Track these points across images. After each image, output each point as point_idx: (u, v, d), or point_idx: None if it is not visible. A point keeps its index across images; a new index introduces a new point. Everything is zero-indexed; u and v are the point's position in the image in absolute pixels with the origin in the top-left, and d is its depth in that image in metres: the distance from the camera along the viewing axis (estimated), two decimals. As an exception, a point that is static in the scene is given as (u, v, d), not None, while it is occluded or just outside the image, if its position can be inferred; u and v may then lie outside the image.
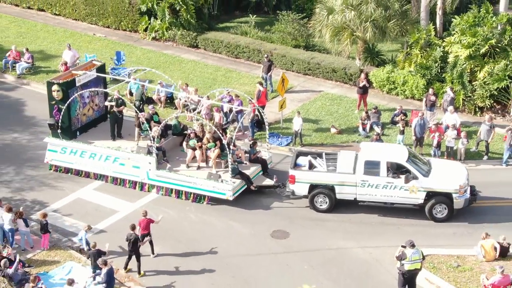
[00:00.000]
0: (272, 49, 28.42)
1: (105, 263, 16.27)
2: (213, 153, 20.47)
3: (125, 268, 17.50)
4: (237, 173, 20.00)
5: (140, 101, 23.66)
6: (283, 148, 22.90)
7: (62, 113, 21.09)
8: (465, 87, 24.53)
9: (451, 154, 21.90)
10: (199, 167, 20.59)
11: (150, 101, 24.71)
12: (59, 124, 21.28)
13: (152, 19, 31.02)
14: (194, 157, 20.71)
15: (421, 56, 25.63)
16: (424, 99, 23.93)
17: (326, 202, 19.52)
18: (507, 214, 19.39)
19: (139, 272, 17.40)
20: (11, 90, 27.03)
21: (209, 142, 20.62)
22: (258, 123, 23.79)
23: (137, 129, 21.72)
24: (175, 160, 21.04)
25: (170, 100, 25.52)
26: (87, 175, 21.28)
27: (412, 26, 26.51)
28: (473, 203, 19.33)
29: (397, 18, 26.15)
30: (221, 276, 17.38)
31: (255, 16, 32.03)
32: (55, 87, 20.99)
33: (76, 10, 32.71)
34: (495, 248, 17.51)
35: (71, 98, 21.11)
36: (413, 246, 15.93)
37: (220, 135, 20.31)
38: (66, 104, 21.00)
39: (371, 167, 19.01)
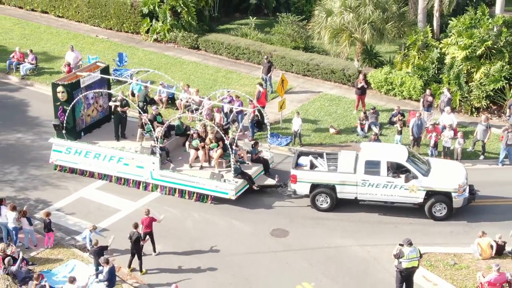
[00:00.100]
0: (272, 50, 28.55)
1: (107, 262, 16.36)
2: (216, 153, 20.65)
3: (129, 266, 17.61)
4: (239, 173, 20.16)
5: (144, 102, 23.79)
6: (283, 148, 23.02)
7: (67, 114, 21.23)
8: (462, 88, 24.64)
9: (448, 154, 22.03)
10: (201, 167, 20.75)
11: (152, 102, 24.90)
12: (64, 125, 21.44)
13: (153, 21, 31.16)
14: (197, 157, 20.89)
15: (419, 57, 25.73)
16: (422, 100, 24.03)
17: (327, 202, 19.66)
18: (503, 213, 19.51)
19: (140, 270, 17.52)
20: (15, 91, 27.17)
21: (211, 142, 20.79)
22: (258, 124, 23.96)
23: (140, 130, 21.88)
24: (178, 160, 21.17)
25: (171, 101, 25.69)
26: (92, 175, 21.43)
27: (410, 28, 26.63)
28: (472, 202, 19.46)
29: (395, 20, 26.28)
30: (222, 274, 17.48)
31: (255, 18, 32.06)
32: (60, 89, 21.14)
33: (79, 12, 32.83)
34: (492, 246, 17.63)
35: (76, 99, 21.27)
36: (410, 244, 16.04)
37: (222, 135, 20.51)
38: (71, 105, 21.15)
39: (372, 167, 19.14)
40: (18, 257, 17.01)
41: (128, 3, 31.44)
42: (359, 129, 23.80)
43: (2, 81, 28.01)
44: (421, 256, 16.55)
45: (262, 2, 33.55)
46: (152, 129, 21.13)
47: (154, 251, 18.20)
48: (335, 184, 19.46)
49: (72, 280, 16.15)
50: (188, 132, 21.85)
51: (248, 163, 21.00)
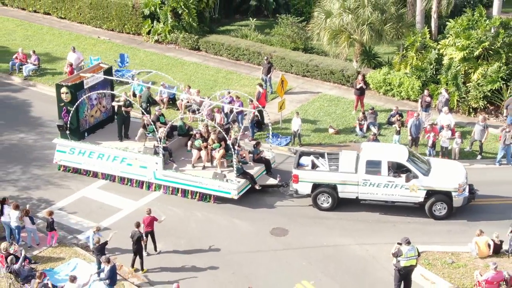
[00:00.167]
0: (272, 51, 28.64)
1: (108, 261, 16.42)
2: (218, 154, 20.76)
3: (132, 266, 17.63)
4: (241, 172, 20.30)
5: (147, 103, 23.87)
6: (283, 148, 23.10)
7: (70, 114, 21.33)
8: (459, 88, 24.73)
9: (446, 153, 22.09)
10: (204, 167, 20.86)
11: (153, 102, 25.02)
12: (68, 126, 21.55)
13: (155, 22, 31.26)
14: (200, 157, 20.96)
15: (417, 58, 25.81)
16: (420, 100, 24.12)
17: (329, 201, 19.78)
18: (500, 212, 19.53)
19: (142, 269, 17.57)
20: (18, 91, 27.25)
21: (214, 142, 20.92)
22: (258, 124, 24.13)
23: (142, 130, 22.05)
24: (181, 160, 21.25)
25: (172, 101, 25.83)
26: (95, 175, 21.55)
27: (408, 29, 26.69)
28: (472, 201, 19.53)
29: (393, 21, 26.34)
30: (222, 273, 17.54)
31: (255, 19, 32.17)
32: (64, 89, 21.22)
33: (81, 14, 32.93)
34: (489, 245, 17.70)
35: (80, 100, 21.38)
36: (408, 243, 16.10)
37: (225, 135, 20.61)
38: (74, 106, 21.25)
39: (373, 167, 19.23)
40: (21, 255, 17.07)
41: (130, 5, 31.57)
42: (358, 129, 23.89)
43: (5, 81, 28.12)
44: (419, 254, 16.64)
45: (262, 3, 33.63)
46: (155, 130, 21.29)
47: (155, 249, 18.28)
48: (336, 183, 19.56)
49: (73, 279, 16.20)
50: (191, 132, 21.98)
51: (250, 163, 21.09)
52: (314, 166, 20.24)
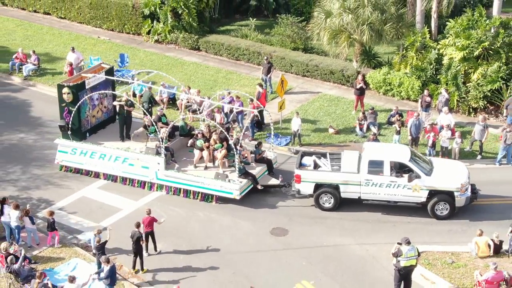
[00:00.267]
0: (272, 51, 28.69)
1: (108, 261, 16.43)
2: (220, 154, 20.77)
3: (133, 267, 17.63)
4: (243, 173, 20.29)
5: (149, 103, 23.85)
6: (283, 148, 23.13)
7: (72, 115, 21.35)
8: (459, 88, 24.77)
9: (446, 153, 22.13)
10: (206, 167, 20.86)
11: (155, 102, 24.99)
12: (70, 126, 21.57)
13: (155, 22, 31.32)
14: (201, 157, 20.96)
15: (417, 58, 25.85)
16: (420, 100, 24.15)
17: (331, 201, 19.79)
18: (500, 212, 19.57)
19: (142, 269, 17.60)
20: (18, 91, 27.28)
21: (216, 143, 20.93)
22: (258, 124, 24.18)
23: (142, 129, 22.00)
24: (183, 160, 21.26)
25: (172, 101, 25.88)
26: (97, 175, 21.56)
27: (408, 29, 26.73)
28: (474, 201, 19.55)
29: (393, 21, 26.38)
30: (222, 273, 17.55)
31: (255, 19, 32.23)
32: (65, 90, 21.23)
33: (81, 14, 32.98)
34: (489, 245, 17.73)
35: (81, 100, 21.40)
36: (408, 243, 16.11)
37: (227, 135, 20.62)
38: (76, 106, 21.28)
39: (375, 167, 19.24)
40: (20, 255, 17.09)
41: (130, 5, 31.62)
42: (358, 129, 23.92)
43: (5, 81, 28.15)
44: (419, 254, 16.65)
45: (262, 3, 33.69)
46: (156, 130, 21.22)
47: (155, 249, 18.30)
48: (338, 183, 19.57)
49: (72, 279, 16.22)
50: (193, 132, 22.00)
51: (252, 163, 21.07)
52: (316, 166, 20.25)
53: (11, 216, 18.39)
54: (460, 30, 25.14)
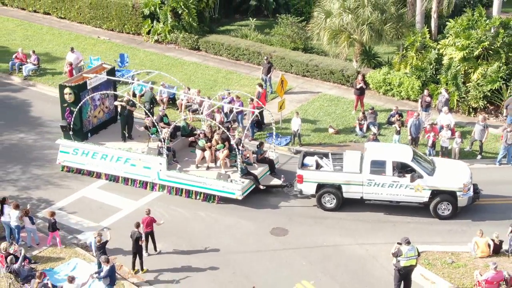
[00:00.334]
0: (272, 51, 28.71)
1: (108, 261, 16.46)
2: (222, 154, 20.76)
3: (133, 268, 17.63)
4: (245, 173, 20.30)
5: (150, 103, 23.82)
6: (283, 148, 23.13)
7: (74, 115, 21.35)
8: (459, 88, 24.79)
9: (446, 153, 22.16)
10: (208, 168, 20.86)
11: (156, 103, 24.98)
12: (71, 126, 21.57)
13: (154, 22, 31.34)
14: (203, 157, 20.96)
15: (417, 58, 25.87)
16: (420, 100, 24.17)
17: (333, 201, 19.79)
18: (500, 212, 19.59)
19: (141, 268, 17.60)
20: (18, 91, 27.30)
21: (218, 143, 20.94)
22: (257, 124, 24.19)
23: (144, 129, 22.03)
24: (185, 160, 21.27)
25: (172, 101, 25.90)
26: (99, 175, 21.56)
27: (408, 29, 26.76)
28: (476, 201, 19.56)
29: (393, 21, 26.41)
30: (222, 273, 17.57)
31: (255, 19, 32.25)
32: (67, 90, 21.23)
33: (81, 14, 33.00)
34: (489, 245, 17.74)
35: (83, 100, 21.38)
36: (408, 243, 16.13)
37: (229, 135, 20.60)
38: (78, 107, 21.27)
39: (377, 167, 19.25)
40: (20, 255, 17.10)
41: (130, 5, 31.64)
42: (357, 129, 23.94)
43: (5, 81, 28.17)
44: (419, 254, 16.66)
45: (262, 3, 33.71)
46: (158, 130, 21.20)
47: (155, 249, 18.32)
48: (341, 183, 19.58)
49: (71, 280, 16.24)
50: (195, 132, 22.00)
51: (254, 164, 21.04)
52: (318, 166, 20.25)
53: (11, 216, 18.41)
54: (460, 30, 25.16)
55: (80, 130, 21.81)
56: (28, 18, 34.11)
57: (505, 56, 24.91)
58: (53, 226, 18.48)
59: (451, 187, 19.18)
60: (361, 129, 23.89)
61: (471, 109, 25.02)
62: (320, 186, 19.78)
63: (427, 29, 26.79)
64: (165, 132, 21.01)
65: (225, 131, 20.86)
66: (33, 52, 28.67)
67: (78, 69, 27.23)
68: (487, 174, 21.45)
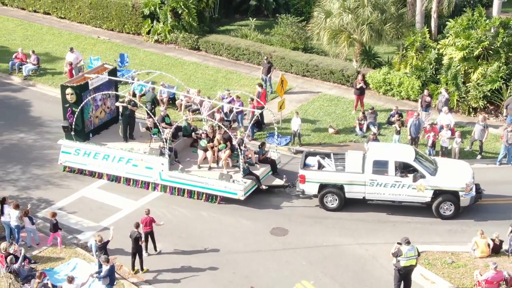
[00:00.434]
0: (272, 51, 28.72)
1: (107, 261, 16.46)
2: (224, 154, 20.74)
3: (133, 269, 17.62)
4: (247, 173, 20.29)
5: (152, 104, 23.80)
6: (282, 148, 23.09)
7: (75, 115, 21.34)
8: (459, 88, 24.80)
9: (446, 153, 22.16)
10: (210, 168, 20.83)
11: (158, 103, 24.99)
12: (73, 127, 21.55)
13: (154, 22, 31.35)
14: (205, 158, 20.92)
15: (417, 58, 25.87)
16: (420, 100, 24.17)
17: (336, 201, 19.77)
18: (500, 211, 19.58)
19: (141, 268, 17.61)
20: (18, 91, 27.32)
21: (220, 143, 20.94)
22: (257, 124, 24.21)
23: (145, 130, 22.05)
24: (186, 161, 21.27)
25: (172, 101, 25.89)
26: (101, 176, 21.54)
27: (408, 29, 26.78)
28: (479, 200, 19.56)
29: (393, 21, 26.43)
30: (222, 273, 17.58)
31: (255, 19, 32.27)
32: (69, 90, 21.22)
33: (80, 14, 33.02)
34: (488, 245, 17.74)
35: (85, 101, 21.37)
36: (408, 243, 16.14)
37: (231, 135, 20.61)
38: (79, 107, 21.27)
39: (380, 167, 19.24)
40: (20, 255, 17.11)
41: (130, 5, 31.65)
42: (357, 129, 23.95)
43: (5, 81, 28.19)
44: (419, 254, 16.67)
45: (262, 3, 33.72)
46: (160, 131, 21.22)
47: (155, 249, 18.32)
48: (343, 184, 19.57)
49: (71, 280, 16.25)
50: (197, 132, 22.00)
51: (256, 164, 21.03)
52: (320, 167, 20.25)
53: (11, 216, 18.41)
54: (460, 30, 25.16)
55: (81, 131, 21.81)
56: (28, 18, 34.12)
57: (505, 56, 24.92)
58: (55, 227, 18.48)
59: (453, 187, 19.18)
60: (361, 129, 23.90)
61: (471, 109, 25.02)
62: (322, 186, 19.78)
63: (427, 29, 26.79)
64: (167, 133, 20.99)
65: (227, 131, 20.82)
66: (33, 52, 28.68)
67: (78, 69, 27.24)
68: (487, 174, 21.41)
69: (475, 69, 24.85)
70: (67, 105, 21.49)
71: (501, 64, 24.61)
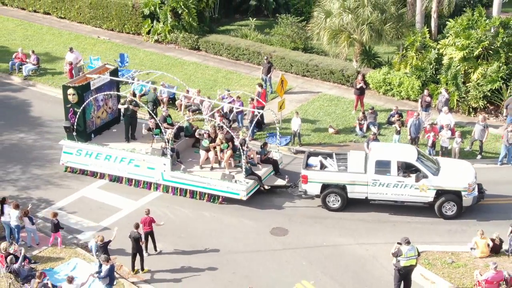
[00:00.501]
0: (272, 51, 28.72)
1: (107, 260, 16.46)
2: (226, 154, 20.73)
3: (133, 269, 17.62)
4: (249, 173, 20.27)
5: (153, 104, 23.74)
6: (282, 148, 23.07)
7: (77, 116, 21.33)
8: (459, 88, 24.81)
9: (446, 153, 22.17)
10: (212, 168, 20.81)
11: (159, 104, 25.08)
12: (75, 127, 21.54)
13: (154, 22, 31.37)
14: (207, 158, 20.91)
15: (417, 58, 25.88)
16: (420, 100, 24.18)
17: (338, 201, 19.76)
18: (501, 211, 19.58)
19: (142, 268, 17.61)
20: (18, 91, 27.33)
21: (222, 143, 20.92)
22: (258, 124, 24.21)
23: (147, 132, 22.05)
24: (188, 161, 21.25)
25: (172, 101, 25.90)
26: (102, 176, 21.53)
27: (408, 29, 26.79)
28: (481, 200, 19.55)
29: (393, 21, 26.44)
30: (222, 273, 17.58)
31: (255, 19, 32.29)
32: (70, 91, 21.19)
33: (80, 14, 33.04)
34: (488, 245, 17.74)
35: (87, 101, 21.35)
36: (408, 243, 16.13)
37: (233, 135, 20.60)
38: (81, 107, 21.25)
39: (382, 167, 19.22)
40: (20, 255, 17.11)
41: (130, 5, 31.66)
42: (357, 129, 23.96)
43: (5, 81, 28.21)
44: (419, 254, 16.67)
45: (262, 3, 33.74)
46: (162, 131, 21.18)
47: (155, 249, 18.32)
48: (345, 184, 19.56)
49: (71, 280, 16.27)
50: (199, 132, 21.99)
51: (258, 164, 21.02)
52: (322, 167, 20.24)
53: (11, 215, 18.41)
54: (460, 30, 25.17)
55: (83, 131, 21.81)
56: (28, 18, 34.13)
57: (505, 56, 24.93)
58: (56, 227, 18.49)
59: (456, 186, 19.16)
60: (361, 129, 23.91)
61: (471, 109, 25.03)
62: (324, 187, 19.76)
63: (427, 29, 26.81)
64: (169, 133, 20.97)
65: (229, 131, 20.83)
66: (33, 52, 28.69)
67: (78, 69, 27.24)
68: (488, 174, 21.39)
69: (475, 69, 24.86)
70: (69, 105, 21.48)
71: (501, 64, 24.62)
